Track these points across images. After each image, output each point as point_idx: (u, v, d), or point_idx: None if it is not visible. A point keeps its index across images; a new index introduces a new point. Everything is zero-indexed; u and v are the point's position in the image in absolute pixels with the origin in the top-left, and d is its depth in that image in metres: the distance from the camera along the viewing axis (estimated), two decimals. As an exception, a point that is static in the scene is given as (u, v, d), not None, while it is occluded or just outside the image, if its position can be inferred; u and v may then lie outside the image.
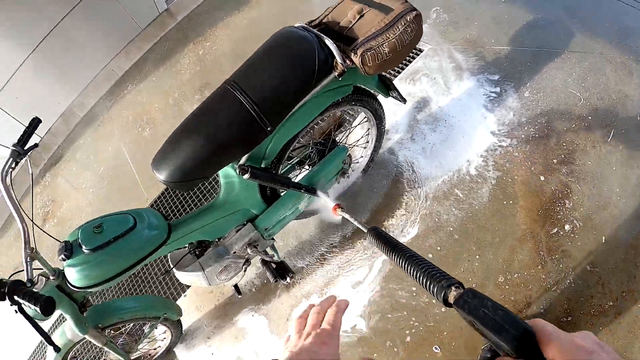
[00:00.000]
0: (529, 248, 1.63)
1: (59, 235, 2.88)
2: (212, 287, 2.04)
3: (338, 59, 1.17)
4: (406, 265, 0.68)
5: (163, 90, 3.28)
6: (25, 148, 1.22)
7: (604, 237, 1.59)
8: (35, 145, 1.28)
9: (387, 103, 1.71)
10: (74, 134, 3.56)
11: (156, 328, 1.83)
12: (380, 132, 1.77)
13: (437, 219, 1.82)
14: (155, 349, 1.93)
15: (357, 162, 1.90)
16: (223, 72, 3.07)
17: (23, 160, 1.21)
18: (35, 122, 1.28)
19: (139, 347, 1.79)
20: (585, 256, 1.57)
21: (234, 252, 1.44)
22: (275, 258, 1.70)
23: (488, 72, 2.21)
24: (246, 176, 1.22)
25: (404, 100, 1.57)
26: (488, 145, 1.95)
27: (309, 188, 1.50)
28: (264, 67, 1.17)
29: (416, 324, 1.60)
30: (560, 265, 1.57)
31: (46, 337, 1.12)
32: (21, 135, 1.24)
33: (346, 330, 1.67)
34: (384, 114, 1.68)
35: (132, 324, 1.64)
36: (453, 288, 0.56)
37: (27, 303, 0.98)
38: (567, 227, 1.64)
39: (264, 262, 1.60)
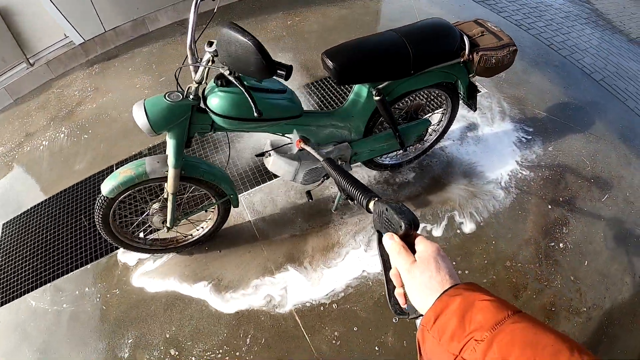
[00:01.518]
0: (532, 249, 2.15)
1: (91, 121, 3.15)
2: (289, 183, 2.38)
3: (467, 50, 1.71)
4: (344, 184, 0.85)
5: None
6: None
7: (586, 261, 2.13)
8: None
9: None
10: (137, 42, 3.88)
11: (212, 210, 2.04)
12: (448, 126, 2.29)
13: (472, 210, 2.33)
14: (192, 232, 2.15)
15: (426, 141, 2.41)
16: (308, 45, 3.51)
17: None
18: None
19: (184, 219, 1.99)
20: (571, 269, 2.09)
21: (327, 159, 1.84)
22: None
23: (525, 124, 2.84)
24: (377, 98, 1.68)
25: (475, 109, 2.10)
26: (512, 169, 2.53)
27: (402, 139, 1.96)
28: (425, 34, 1.70)
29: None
30: (552, 269, 2.08)
31: (257, 110, 1.27)
32: None
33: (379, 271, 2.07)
34: (456, 113, 2.22)
35: (196, 191, 1.88)
36: (372, 199, 0.74)
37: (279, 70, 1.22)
38: (561, 244, 2.18)
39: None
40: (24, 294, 2.23)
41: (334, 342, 1.81)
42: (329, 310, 1.90)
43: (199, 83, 1.39)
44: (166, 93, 1.41)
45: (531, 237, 2.21)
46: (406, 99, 2.00)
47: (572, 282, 2.05)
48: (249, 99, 1.26)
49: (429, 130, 2.29)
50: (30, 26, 3.82)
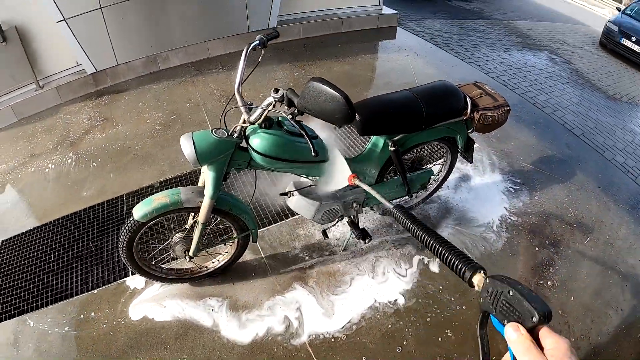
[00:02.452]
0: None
1: (100, 149, 3.31)
2: (308, 221, 2.57)
3: (469, 110, 2.00)
4: (433, 245, 0.74)
5: (253, 85, 4.00)
6: (267, 39, 1.76)
7: (572, 297, 2.37)
8: (276, 33, 1.87)
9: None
10: (147, 78, 4.11)
11: (230, 243, 2.18)
12: (447, 175, 2.58)
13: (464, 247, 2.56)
14: (207, 264, 2.27)
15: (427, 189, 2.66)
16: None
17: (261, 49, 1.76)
18: (275, 32, 1.90)
19: (203, 251, 2.09)
20: (559, 304, 2.32)
21: (344, 202, 2.04)
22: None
23: (512, 175, 3.17)
24: (392, 148, 1.95)
25: (471, 161, 2.39)
26: (502, 215, 2.81)
27: (409, 186, 2.21)
28: (434, 93, 2.00)
29: (438, 311, 2.22)
30: None
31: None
32: (266, 34, 1.78)
33: (389, 301, 2.25)
34: (454, 164, 2.51)
35: (220, 224, 2.02)
36: (478, 271, 0.66)
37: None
38: (549, 282, 2.43)
39: (352, 223, 2.20)
40: (22, 314, 2.23)
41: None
42: (340, 342, 2.05)
43: (252, 123, 1.60)
44: (213, 129, 1.61)
45: (522, 275, 2.45)
46: (414, 150, 2.27)
47: (561, 315, 2.27)
48: (308, 141, 1.46)
49: (430, 179, 2.55)
50: (45, 49, 4.00)
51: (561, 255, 2.61)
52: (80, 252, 2.57)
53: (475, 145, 3.36)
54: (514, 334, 0.55)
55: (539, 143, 3.63)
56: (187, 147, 1.54)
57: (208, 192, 1.68)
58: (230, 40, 4.41)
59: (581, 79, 5.90)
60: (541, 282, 2.43)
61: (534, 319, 0.52)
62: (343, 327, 2.12)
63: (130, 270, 2.35)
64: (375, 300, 2.24)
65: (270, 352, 2.00)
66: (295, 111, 1.46)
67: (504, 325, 0.57)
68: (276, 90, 1.49)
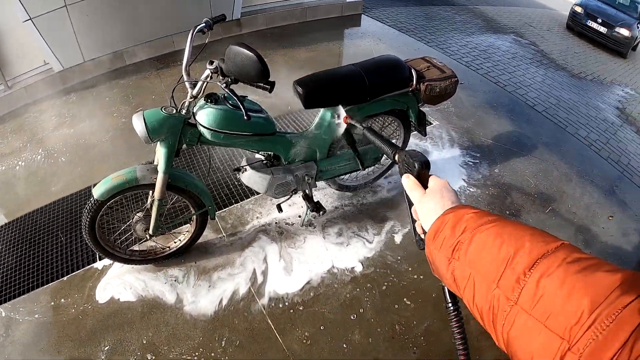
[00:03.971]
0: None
1: (68, 145, 3.28)
2: (261, 195, 2.58)
3: (414, 81, 2.05)
4: (382, 146, 0.92)
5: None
6: (213, 22, 1.82)
7: None
8: (223, 17, 1.93)
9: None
10: (114, 74, 4.09)
11: (190, 221, 2.19)
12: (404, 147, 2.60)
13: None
14: (170, 244, 2.26)
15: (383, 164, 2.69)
16: (278, 82, 3.86)
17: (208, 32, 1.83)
18: (222, 16, 1.95)
19: (164, 231, 2.12)
20: None
21: (296, 175, 2.07)
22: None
23: (472, 150, 3.21)
24: (340, 120, 1.96)
25: (424, 134, 2.43)
26: (460, 186, 2.86)
27: (361, 159, 2.24)
28: (378, 67, 2.03)
29: (395, 280, 2.25)
30: None
31: (247, 113, 1.49)
32: (213, 17, 1.86)
33: (347, 268, 2.28)
34: (408, 139, 2.55)
35: (178, 201, 2.03)
36: (397, 150, 0.84)
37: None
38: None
39: (306, 196, 2.23)
40: None
41: (304, 341, 1.98)
42: (298, 313, 2.08)
43: (195, 97, 1.64)
44: (162, 107, 1.65)
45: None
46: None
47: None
48: (240, 105, 1.50)
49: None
50: (12, 49, 3.93)
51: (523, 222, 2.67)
52: (51, 243, 2.58)
53: (435, 122, 3.43)
54: (405, 180, 0.75)
55: (500, 119, 3.69)
56: (138, 124, 1.59)
57: (161, 167, 1.72)
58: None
59: (546, 60, 5.99)
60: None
61: (416, 167, 0.74)
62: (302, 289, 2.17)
63: (97, 255, 2.36)
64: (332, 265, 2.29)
65: (231, 325, 2.03)
66: (229, 80, 1.50)
67: None
68: (211, 62, 1.53)
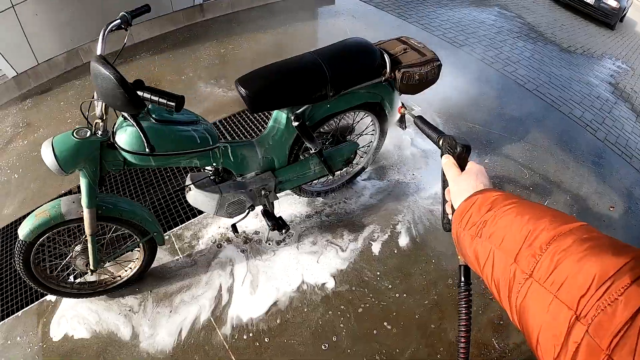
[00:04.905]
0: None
1: (21, 158, 3.03)
2: (211, 216, 2.28)
3: (388, 69, 1.72)
4: (427, 130, 0.98)
5: (179, 67, 3.64)
6: (131, 16, 1.48)
7: None
8: (147, 7, 1.54)
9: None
10: (70, 75, 3.76)
11: (137, 249, 1.92)
12: (379, 146, 2.28)
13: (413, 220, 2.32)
14: (120, 273, 2.03)
15: (357, 164, 2.38)
16: (241, 73, 3.54)
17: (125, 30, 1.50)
18: (146, 6, 1.56)
19: (109, 262, 1.89)
20: None
21: (250, 190, 1.76)
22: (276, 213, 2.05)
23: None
24: (295, 123, 1.64)
25: (404, 127, 2.12)
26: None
27: (329, 164, 1.93)
28: (342, 54, 1.68)
29: (373, 300, 1.97)
30: None
31: (149, 145, 1.24)
32: (132, 10, 1.50)
33: (317, 285, 2.01)
34: (386, 133, 2.23)
35: (116, 233, 1.76)
36: (442, 136, 0.86)
37: (160, 99, 1.16)
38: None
39: (266, 212, 1.92)
40: None
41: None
42: (264, 346, 1.81)
43: (101, 119, 1.32)
44: (74, 130, 1.33)
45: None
46: (332, 122, 1.99)
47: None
48: (140, 133, 1.21)
49: (359, 152, 2.26)
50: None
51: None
52: (3, 274, 2.36)
53: (416, 108, 3.11)
54: (444, 159, 0.79)
55: (488, 101, 3.36)
56: (47, 155, 1.30)
57: (84, 201, 1.46)
58: (155, 22, 4.01)
59: (533, 33, 5.63)
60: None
61: (458, 149, 0.78)
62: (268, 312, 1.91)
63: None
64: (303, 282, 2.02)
65: (190, 360, 1.78)
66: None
67: None
68: None
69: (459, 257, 0.73)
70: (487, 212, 0.58)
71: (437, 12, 5.44)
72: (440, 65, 1.81)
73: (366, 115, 2.11)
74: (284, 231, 1.89)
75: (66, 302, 2.08)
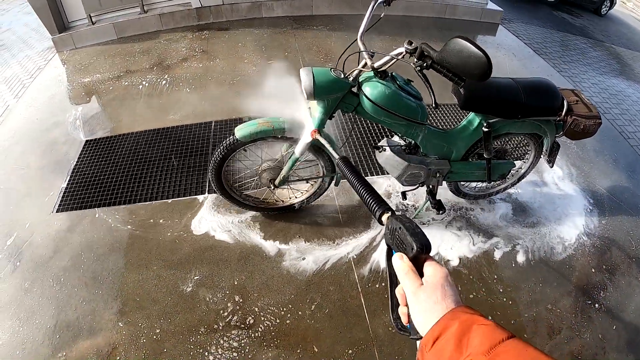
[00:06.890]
0: (571, 301, 2.34)
1: (195, 78, 3.48)
2: (391, 179, 2.72)
3: (563, 112, 2.01)
4: (360, 189, 0.82)
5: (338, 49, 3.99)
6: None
7: (615, 326, 2.29)
8: None
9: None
10: (250, 23, 4.29)
11: (312, 183, 2.28)
12: (525, 173, 2.57)
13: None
14: (284, 199, 2.35)
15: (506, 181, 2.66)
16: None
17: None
18: None
19: (286, 184, 2.16)
20: (601, 328, 2.25)
21: (429, 169, 2.08)
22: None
23: (588, 194, 3.06)
24: (486, 130, 1.96)
25: (552, 165, 2.35)
26: (577, 233, 2.75)
27: (490, 172, 2.21)
28: (536, 88, 1.98)
29: (484, 293, 2.23)
30: (585, 323, 2.25)
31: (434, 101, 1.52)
32: None
33: (444, 258, 2.28)
34: (536, 164, 2.49)
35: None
36: (386, 211, 0.73)
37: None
38: (597, 305, 2.36)
39: (430, 192, 2.26)
40: (94, 207, 2.39)
41: (390, 329, 2.00)
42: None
43: (376, 69, 1.63)
44: (331, 67, 1.66)
45: (572, 290, 2.40)
46: (503, 139, 2.28)
47: (600, 339, 2.22)
48: (429, 91, 1.52)
49: (511, 172, 2.54)
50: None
51: (614, 283, 2.51)
52: (161, 164, 2.73)
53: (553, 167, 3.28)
54: (398, 261, 0.63)
55: (618, 172, 3.47)
56: (306, 79, 1.60)
57: (315, 124, 1.71)
58: (336, 1, 4.41)
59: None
60: (589, 302, 2.37)
61: (414, 250, 0.61)
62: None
63: (207, 189, 2.51)
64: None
65: (325, 291, 2.09)
66: (424, 64, 1.48)
67: None
68: (410, 43, 1.51)
69: None
70: (474, 355, 0.48)
71: (588, 74, 5.46)
72: (600, 123, 2.08)
73: (527, 143, 2.38)
74: (441, 212, 2.21)
75: (206, 207, 2.41)
